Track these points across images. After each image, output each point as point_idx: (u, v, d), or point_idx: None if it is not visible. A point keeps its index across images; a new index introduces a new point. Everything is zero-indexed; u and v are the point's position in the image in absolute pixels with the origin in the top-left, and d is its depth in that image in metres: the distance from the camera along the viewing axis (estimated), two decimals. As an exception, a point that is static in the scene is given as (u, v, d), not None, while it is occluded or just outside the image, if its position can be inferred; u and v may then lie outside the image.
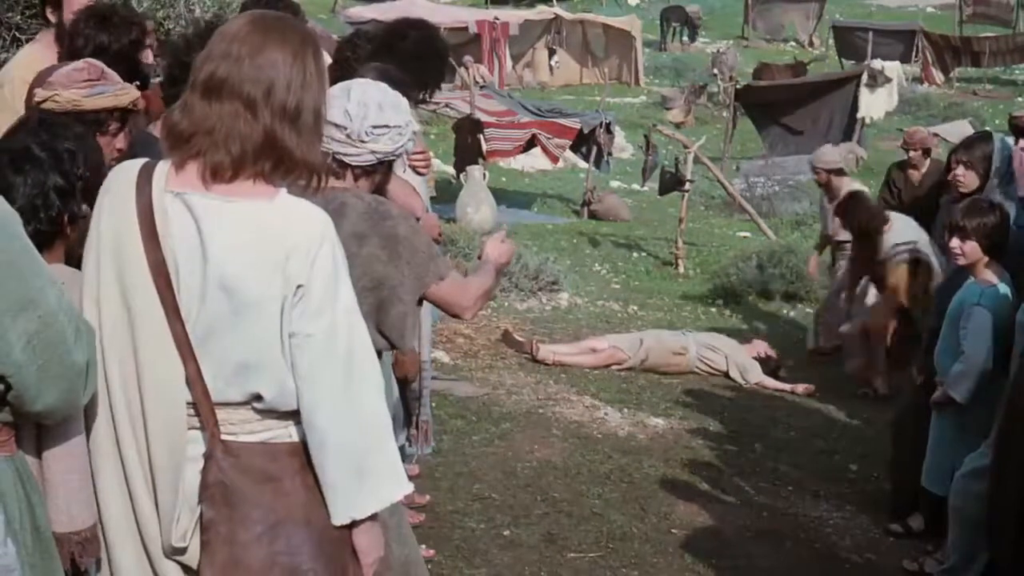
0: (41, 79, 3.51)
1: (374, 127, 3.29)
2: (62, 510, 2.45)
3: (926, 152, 10.24)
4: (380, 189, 3.46)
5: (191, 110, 2.44)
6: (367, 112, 3.27)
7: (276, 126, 2.44)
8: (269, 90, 2.43)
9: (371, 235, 3.18)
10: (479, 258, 3.63)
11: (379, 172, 3.41)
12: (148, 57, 5.01)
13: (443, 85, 9.21)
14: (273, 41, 2.46)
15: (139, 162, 2.55)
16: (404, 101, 3.44)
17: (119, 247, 2.46)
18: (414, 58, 4.98)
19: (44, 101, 3.32)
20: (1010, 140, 6.07)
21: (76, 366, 2.32)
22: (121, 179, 2.52)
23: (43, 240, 2.67)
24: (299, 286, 2.41)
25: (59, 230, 2.73)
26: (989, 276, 5.29)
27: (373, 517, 2.57)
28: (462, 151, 15.58)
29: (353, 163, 3.31)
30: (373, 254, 3.18)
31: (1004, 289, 5.25)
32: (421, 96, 5.18)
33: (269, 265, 2.41)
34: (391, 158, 3.41)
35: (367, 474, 2.51)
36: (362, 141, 3.28)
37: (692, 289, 11.88)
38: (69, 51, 4.43)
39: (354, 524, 2.55)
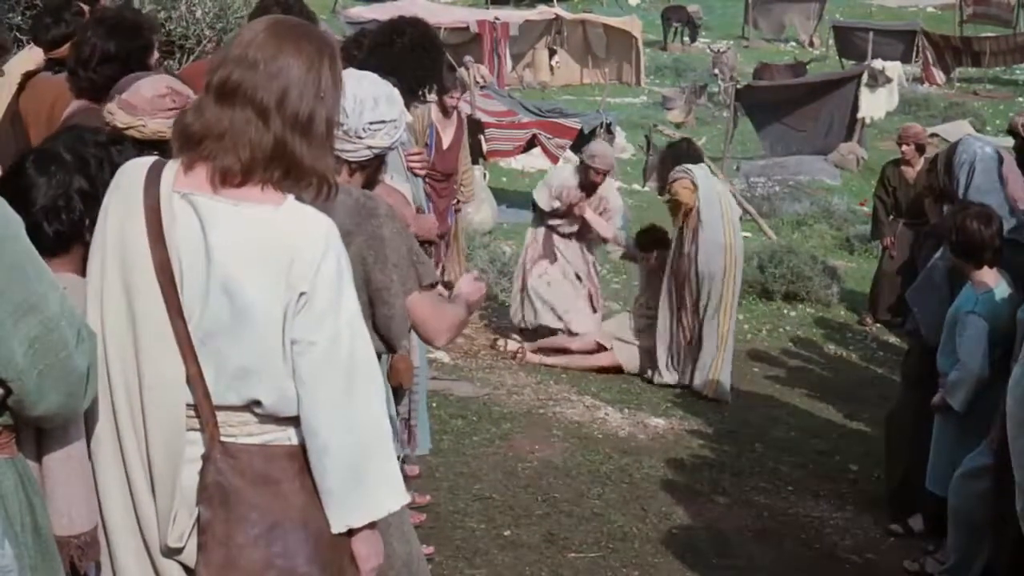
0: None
1: (371, 123, 3.27)
2: (62, 513, 2.45)
3: (920, 148, 10.21)
4: (371, 181, 3.45)
5: (203, 113, 2.43)
6: (363, 108, 3.26)
7: (287, 135, 2.43)
8: (282, 98, 2.42)
9: (357, 233, 3.15)
10: (447, 285, 3.58)
11: (372, 166, 3.40)
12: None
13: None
14: (289, 48, 2.45)
15: (148, 160, 2.54)
16: (396, 92, 3.43)
17: (124, 245, 2.46)
18: (411, 54, 4.99)
19: (127, 129, 3.18)
20: (988, 149, 6.01)
21: (77, 371, 2.32)
22: (129, 177, 2.51)
23: (62, 242, 2.66)
24: (302, 293, 2.40)
25: (79, 234, 2.72)
26: (984, 281, 5.28)
27: (372, 524, 2.56)
28: (462, 151, 15.56)
29: (350, 159, 3.30)
30: (360, 254, 3.15)
31: (1001, 292, 5.25)
32: (420, 92, 5.19)
33: (272, 271, 2.40)
34: (387, 151, 3.40)
35: (366, 482, 2.50)
36: (359, 137, 3.27)
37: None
38: (75, 59, 4.42)
39: (352, 531, 2.54)
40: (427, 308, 3.23)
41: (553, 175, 9.28)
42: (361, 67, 3.54)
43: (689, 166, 8.39)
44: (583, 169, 8.77)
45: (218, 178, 2.42)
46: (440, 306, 3.31)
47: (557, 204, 8.75)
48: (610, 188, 8.96)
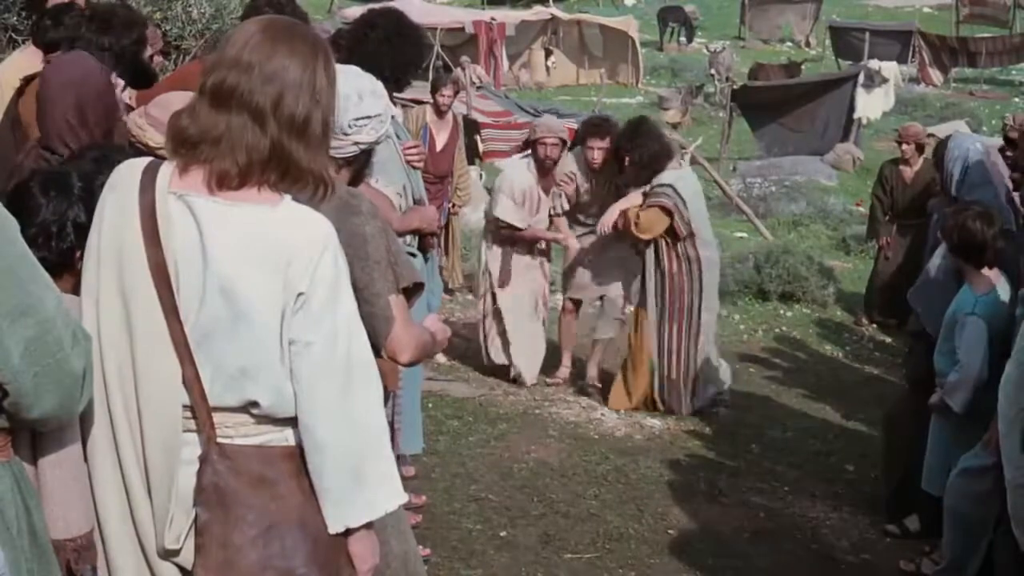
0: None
1: (355, 119, 3.25)
2: (58, 516, 2.44)
3: (920, 148, 10.20)
4: (358, 177, 3.43)
5: (198, 117, 2.42)
6: (347, 104, 3.23)
7: (284, 138, 2.42)
8: (278, 101, 2.41)
9: (340, 230, 3.13)
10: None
11: (359, 161, 3.38)
12: (151, 55, 5.01)
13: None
14: (283, 50, 2.43)
15: (143, 161, 2.53)
16: (380, 86, 3.41)
17: (120, 246, 2.45)
18: (387, 44, 4.97)
19: (159, 148, 3.09)
20: (979, 145, 6.04)
21: (73, 373, 2.31)
22: (125, 178, 2.50)
23: (49, 269, 2.64)
24: (300, 293, 2.40)
25: (68, 263, 2.71)
26: (984, 282, 5.28)
27: (369, 525, 2.56)
28: (459, 151, 15.57)
29: (337, 156, 3.28)
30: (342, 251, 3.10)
31: (1001, 293, 5.24)
32: (405, 81, 5.17)
33: (270, 271, 2.39)
34: (373, 147, 3.38)
35: (363, 482, 2.50)
36: (345, 134, 3.25)
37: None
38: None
39: (349, 531, 2.54)
40: (398, 315, 3.15)
41: (504, 183, 8.12)
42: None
43: (668, 178, 7.50)
44: (533, 150, 7.98)
45: (215, 181, 2.42)
46: (411, 319, 3.23)
47: (527, 221, 7.95)
48: (571, 162, 8.10)
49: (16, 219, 2.42)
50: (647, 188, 7.51)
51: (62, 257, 2.71)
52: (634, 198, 7.55)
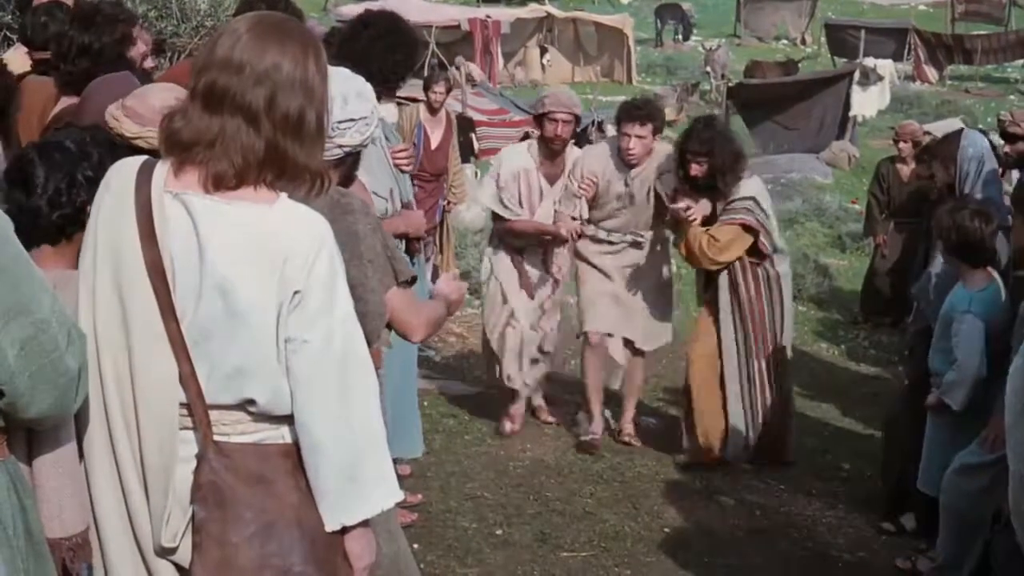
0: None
1: (340, 122, 3.24)
2: (54, 515, 2.44)
3: (916, 145, 10.23)
4: (347, 178, 3.42)
5: (191, 119, 2.41)
6: (332, 107, 3.22)
7: (279, 138, 2.41)
8: (271, 101, 2.40)
9: (333, 229, 3.13)
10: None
11: (347, 163, 3.38)
12: (139, 53, 4.99)
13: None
14: (273, 49, 2.42)
15: (139, 159, 2.53)
16: (367, 88, 3.40)
17: (116, 244, 2.45)
18: (379, 43, 4.96)
19: (135, 138, 3.11)
20: (988, 143, 6.05)
21: (69, 372, 2.31)
22: (121, 176, 2.50)
23: (63, 229, 2.72)
24: (296, 292, 2.40)
25: (82, 221, 2.69)
26: (979, 279, 5.27)
27: (365, 523, 2.56)
28: (454, 149, 15.58)
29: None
30: None
31: (995, 289, 5.23)
32: (396, 81, 5.15)
33: (266, 269, 2.39)
34: (359, 149, 3.38)
35: (359, 481, 2.50)
36: (329, 137, 3.25)
37: (685, 288, 11.86)
38: (55, 54, 4.42)
39: (346, 529, 2.54)
40: (404, 302, 3.29)
41: (494, 164, 7.12)
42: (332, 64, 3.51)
43: (751, 189, 6.44)
44: (540, 126, 6.68)
45: (211, 183, 2.41)
46: (416, 301, 3.38)
47: (514, 209, 6.72)
48: (595, 159, 6.83)
49: (21, 189, 2.45)
50: (725, 201, 6.41)
51: (78, 213, 2.72)
52: (706, 206, 6.43)
